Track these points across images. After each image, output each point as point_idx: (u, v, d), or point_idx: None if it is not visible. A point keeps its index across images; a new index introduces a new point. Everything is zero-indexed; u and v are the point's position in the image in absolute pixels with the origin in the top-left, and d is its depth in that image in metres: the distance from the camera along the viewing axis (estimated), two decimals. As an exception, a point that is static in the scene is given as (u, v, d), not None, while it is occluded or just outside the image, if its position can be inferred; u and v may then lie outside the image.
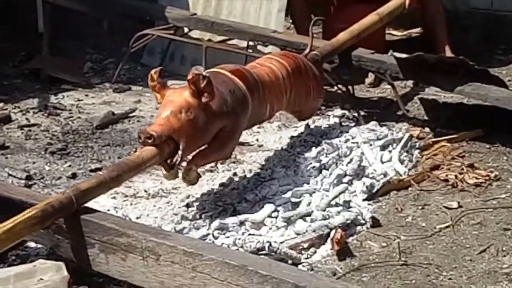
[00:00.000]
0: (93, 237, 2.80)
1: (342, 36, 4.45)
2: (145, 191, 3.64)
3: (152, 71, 3.39)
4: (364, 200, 3.56)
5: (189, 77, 3.29)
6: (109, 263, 2.79)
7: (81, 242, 2.82)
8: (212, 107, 3.33)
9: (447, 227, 3.38)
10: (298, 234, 3.25)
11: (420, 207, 3.54)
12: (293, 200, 3.43)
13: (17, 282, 2.58)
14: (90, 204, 2.93)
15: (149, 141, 3.18)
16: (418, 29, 5.72)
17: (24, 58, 5.35)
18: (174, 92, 3.36)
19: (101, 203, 3.52)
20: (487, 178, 3.75)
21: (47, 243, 2.94)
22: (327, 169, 3.70)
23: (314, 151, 3.84)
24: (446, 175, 3.76)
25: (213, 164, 3.89)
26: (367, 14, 4.70)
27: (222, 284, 2.55)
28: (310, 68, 4.03)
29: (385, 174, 3.72)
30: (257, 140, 4.19)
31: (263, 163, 3.85)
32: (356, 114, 4.36)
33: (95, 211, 2.92)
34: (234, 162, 3.91)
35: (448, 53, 5.01)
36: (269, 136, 4.22)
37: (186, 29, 5.08)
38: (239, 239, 3.16)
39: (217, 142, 3.41)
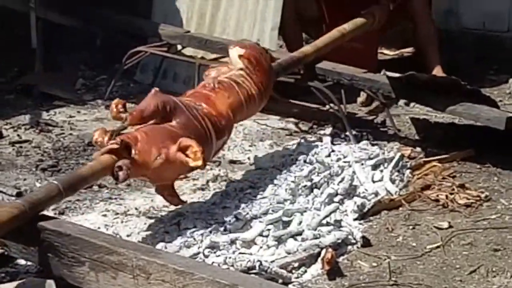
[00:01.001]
0: (83, 255, 2.80)
1: (305, 49, 4.48)
2: (136, 208, 3.64)
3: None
4: (355, 219, 3.57)
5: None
6: (99, 281, 2.78)
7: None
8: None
9: (437, 247, 3.38)
10: (289, 253, 3.24)
11: (411, 227, 3.55)
12: (284, 219, 3.43)
13: (6, 299, 2.57)
14: (81, 222, 2.93)
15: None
16: (410, 49, 5.74)
17: (17, 73, 5.36)
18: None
19: (91, 220, 3.53)
20: (477, 198, 3.75)
21: (36, 261, 2.93)
22: (319, 188, 3.70)
23: (305, 170, 3.84)
24: (437, 195, 3.77)
25: (204, 182, 3.90)
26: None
27: (212, 303, 2.55)
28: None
29: (376, 194, 3.73)
30: (248, 158, 4.20)
31: (255, 181, 3.85)
32: (348, 133, 4.37)
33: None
34: (225, 180, 3.92)
35: (440, 73, 5.03)
36: (261, 155, 4.22)
37: (179, 47, 5.09)
38: (230, 257, 3.15)
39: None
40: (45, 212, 3.35)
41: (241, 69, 3.87)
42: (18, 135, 4.51)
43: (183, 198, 3.68)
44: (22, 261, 3.08)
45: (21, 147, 4.35)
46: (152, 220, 3.51)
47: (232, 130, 3.78)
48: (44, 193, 2.99)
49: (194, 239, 3.31)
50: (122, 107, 3.40)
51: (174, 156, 3.29)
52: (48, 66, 5.38)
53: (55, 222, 2.92)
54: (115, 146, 3.19)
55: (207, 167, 4.07)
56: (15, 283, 2.70)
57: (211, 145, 3.54)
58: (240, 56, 3.90)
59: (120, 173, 3.16)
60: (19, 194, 3.75)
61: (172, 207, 3.60)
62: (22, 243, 2.91)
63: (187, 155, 3.30)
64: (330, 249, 3.21)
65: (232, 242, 3.29)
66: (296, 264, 3.19)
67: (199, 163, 3.30)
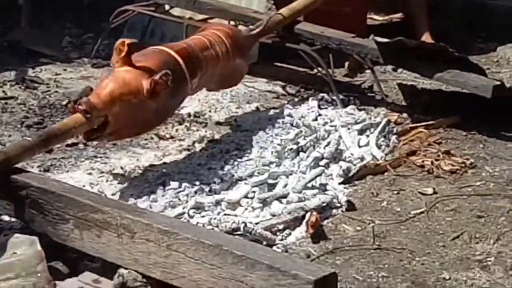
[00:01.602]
0: (67, 212, 2.79)
1: (283, 11, 4.46)
2: (122, 167, 3.63)
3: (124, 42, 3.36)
4: (340, 183, 3.57)
5: (156, 77, 3.30)
6: (84, 239, 2.78)
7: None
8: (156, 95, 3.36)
9: (421, 212, 3.40)
10: (274, 216, 3.25)
11: (395, 192, 3.56)
12: (270, 181, 3.44)
13: (-10, 255, 2.57)
14: (66, 180, 2.92)
15: (87, 115, 3.20)
16: (399, 15, 5.72)
17: (2, 30, 5.30)
18: (130, 72, 3.34)
19: (76, 178, 3.51)
20: (462, 165, 3.77)
21: (21, 217, 2.92)
22: (305, 152, 3.70)
23: (292, 133, 3.84)
24: (422, 161, 3.78)
25: (190, 143, 3.89)
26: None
27: (197, 263, 2.55)
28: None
29: (362, 158, 3.73)
30: (235, 120, 4.18)
31: (241, 143, 3.85)
32: (335, 98, 4.36)
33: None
34: (211, 141, 3.91)
35: (429, 39, 5.02)
36: (248, 117, 4.22)
37: (167, 7, 5.04)
38: (215, 218, 3.16)
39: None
40: (29, 169, 3.35)
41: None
42: (3, 91, 4.47)
43: (169, 158, 3.68)
44: (6, 218, 3.07)
45: (6, 103, 4.32)
46: (137, 180, 3.50)
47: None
48: (15, 147, 3.02)
49: (179, 199, 3.31)
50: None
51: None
52: (34, 24, 5.33)
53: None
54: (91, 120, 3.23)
55: (194, 128, 4.07)
56: (-1, 239, 2.70)
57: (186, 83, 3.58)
58: None
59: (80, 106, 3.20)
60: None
61: (158, 167, 3.60)
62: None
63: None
64: (314, 213, 3.22)
65: (217, 203, 3.29)
66: (280, 227, 3.20)
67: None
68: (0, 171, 2.89)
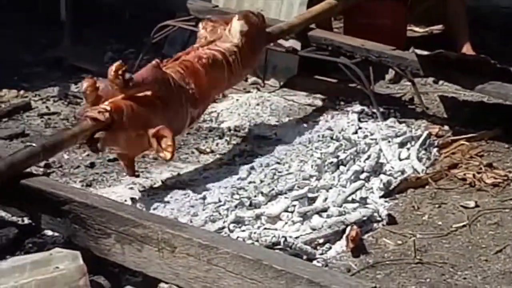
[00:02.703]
0: (109, 227, 2.82)
1: (292, 20, 4.54)
2: (162, 182, 3.65)
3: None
4: (380, 197, 3.56)
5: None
6: (125, 254, 2.80)
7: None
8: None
9: (463, 226, 3.37)
10: (314, 230, 3.25)
11: (437, 205, 3.53)
12: (310, 195, 3.43)
13: (33, 269, 2.59)
14: (108, 194, 2.95)
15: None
16: (439, 26, 5.69)
17: (45, 46, 5.38)
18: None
19: (118, 193, 3.54)
20: (505, 178, 3.73)
21: (63, 232, 2.96)
22: (345, 165, 3.69)
23: (332, 146, 3.84)
24: (464, 174, 3.75)
25: (230, 157, 3.91)
26: (390, 9, 4.68)
27: (237, 277, 2.56)
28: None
29: (402, 172, 3.72)
30: (275, 134, 4.19)
31: (281, 157, 3.85)
32: (375, 111, 4.35)
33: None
34: (251, 156, 3.92)
35: (469, 51, 4.98)
36: (288, 130, 4.22)
37: (207, 21, 5.07)
38: (255, 233, 3.17)
39: None
40: (72, 184, 3.39)
41: (236, 45, 3.92)
42: (46, 107, 4.53)
43: (209, 172, 3.70)
44: (49, 232, 3.11)
45: (49, 119, 4.38)
46: (178, 194, 3.52)
47: (208, 105, 3.91)
48: (21, 154, 3.07)
49: (220, 213, 3.32)
50: (122, 72, 3.40)
51: (149, 139, 3.39)
52: (76, 39, 5.40)
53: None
54: (101, 118, 3.26)
55: (234, 141, 4.09)
56: (42, 254, 2.72)
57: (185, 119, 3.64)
58: (241, 32, 3.92)
59: (98, 144, 3.27)
60: (47, 166, 3.79)
61: (199, 181, 3.62)
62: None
63: (159, 144, 3.38)
64: (355, 227, 3.21)
65: (257, 217, 3.30)
66: (321, 241, 3.20)
67: (168, 156, 3.40)
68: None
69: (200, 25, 4.11)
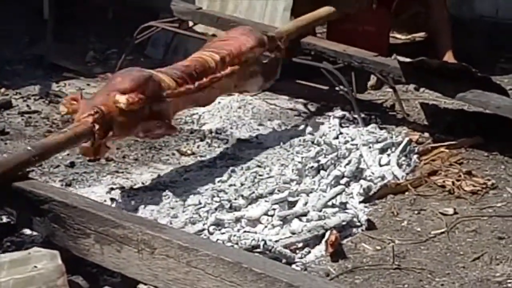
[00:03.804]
0: (89, 227, 2.81)
1: (284, 28, 4.51)
2: (143, 183, 3.65)
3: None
4: (360, 202, 3.57)
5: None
6: (104, 254, 2.79)
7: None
8: None
9: (442, 233, 3.38)
10: (293, 234, 3.25)
11: (416, 212, 3.55)
12: (290, 199, 3.44)
13: (11, 268, 2.58)
14: (87, 194, 2.94)
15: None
16: (422, 34, 5.72)
17: (27, 44, 5.35)
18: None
19: (98, 193, 3.53)
20: (484, 186, 3.75)
21: (42, 231, 2.94)
22: (325, 170, 3.70)
23: (313, 151, 3.85)
24: (443, 181, 3.77)
25: (211, 159, 3.90)
26: (374, 15, 4.69)
27: (216, 280, 2.55)
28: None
29: (382, 178, 3.73)
30: (256, 137, 4.20)
31: (262, 160, 3.86)
32: (356, 116, 4.36)
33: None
34: (232, 159, 3.92)
35: (451, 59, 5.01)
36: (269, 134, 4.23)
37: (191, 23, 5.07)
38: (235, 235, 3.17)
39: None
40: (52, 183, 3.38)
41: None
42: (27, 105, 4.51)
43: (190, 174, 3.70)
44: (27, 231, 3.09)
45: (30, 117, 4.36)
46: (158, 195, 3.52)
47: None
48: (14, 157, 3.07)
49: (200, 215, 3.32)
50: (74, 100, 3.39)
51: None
52: (59, 38, 5.38)
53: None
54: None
55: (215, 144, 4.09)
56: (20, 253, 2.71)
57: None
58: None
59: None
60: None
61: (179, 183, 3.61)
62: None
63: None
64: (334, 231, 3.22)
65: (237, 220, 3.30)
66: (300, 245, 3.20)
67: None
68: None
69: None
